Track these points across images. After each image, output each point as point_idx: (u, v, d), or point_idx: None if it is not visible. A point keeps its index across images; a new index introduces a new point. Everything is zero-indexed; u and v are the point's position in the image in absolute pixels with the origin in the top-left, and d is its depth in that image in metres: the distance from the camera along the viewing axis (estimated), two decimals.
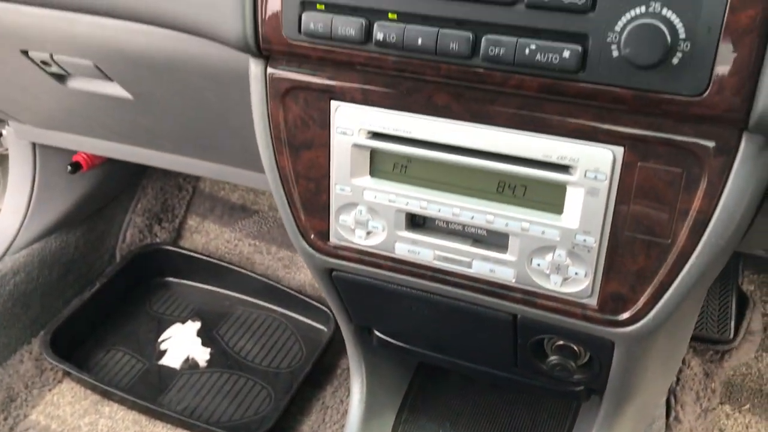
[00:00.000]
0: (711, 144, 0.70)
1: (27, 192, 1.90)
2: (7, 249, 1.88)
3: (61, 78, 1.27)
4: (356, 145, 0.85)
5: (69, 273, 1.99)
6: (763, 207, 0.83)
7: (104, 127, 1.52)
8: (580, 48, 0.69)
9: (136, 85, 1.19)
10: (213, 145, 1.43)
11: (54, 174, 1.92)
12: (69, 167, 1.87)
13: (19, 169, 1.90)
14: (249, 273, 2.01)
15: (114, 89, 1.23)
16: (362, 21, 0.76)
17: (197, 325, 1.94)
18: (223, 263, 2.05)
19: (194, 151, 1.53)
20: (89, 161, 1.90)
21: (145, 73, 1.12)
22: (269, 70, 0.86)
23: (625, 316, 0.82)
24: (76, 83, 1.28)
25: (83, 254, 2.04)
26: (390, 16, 0.76)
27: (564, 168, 0.77)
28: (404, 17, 0.75)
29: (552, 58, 0.70)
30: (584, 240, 0.79)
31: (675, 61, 0.66)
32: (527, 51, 0.70)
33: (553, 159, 0.77)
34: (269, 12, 0.81)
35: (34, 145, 1.86)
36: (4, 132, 1.87)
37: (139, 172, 2.18)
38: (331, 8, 0.78)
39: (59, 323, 1.84)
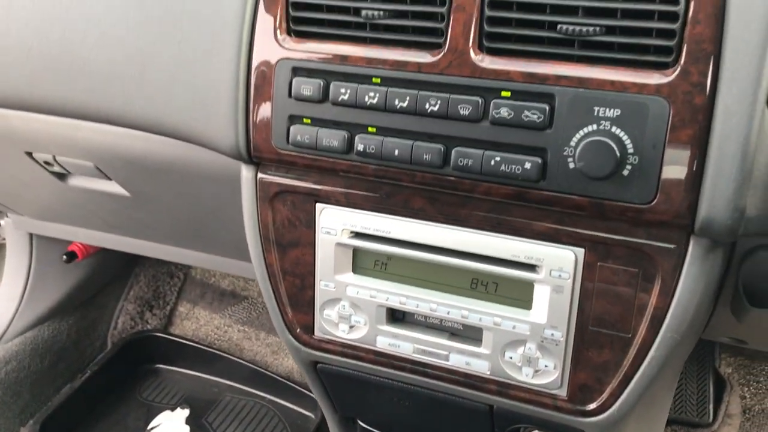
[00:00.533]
0: (662, 246, 0.77)
1: (22, 281, 1.94)
2: (0, 338, 1.90)
3: (61, 176, 1.34)
4: (339, 244, 0.91)
5: (60, 361, 2.01)
6: (720, 299, 0.89)
7: (100, 220, 1.58)
8: (540, 160, 0.76)
9: (134, 184, 1.26)
10: (205, 237, 1.49)
11: (49, 263, 1.97)
12: (64, 257, 1.92)
13: (16, 259, 1.95)
14: (237, 360, 2.04)
15: (112, 187, 1.30)
16: (345, 134, 0.84)
17: (186, 412, 1.96)
18: (212, 350, 2.08)
19: (187, 242, 1.59)
20: (84, 250, 1.95)
21: (143, 174, 1.19)
22: (259, 175, 0.94)
23: (593, 406, 0.87)
24: (76, 181, 1.34)
25: (75, 342, 2.07)
26: (370, 129, 0.83)
27: (531, 267, 0.83)
28: (382, 131, 0.83)
29: (515, 169, 0.77)
30: (552, 334, 0.84)
31: (625, 172, 0.73)
32: (492, 162, 0.78)
33: (521, 259, 0.83)
34: (260, 124, 0.89)
35: (31, 235, 1.92)
36: (2, 223, 1.93)
37: (133, 260, 2.23)
38: (317, 122, 0.86)
39: (49, 412, 1.85)
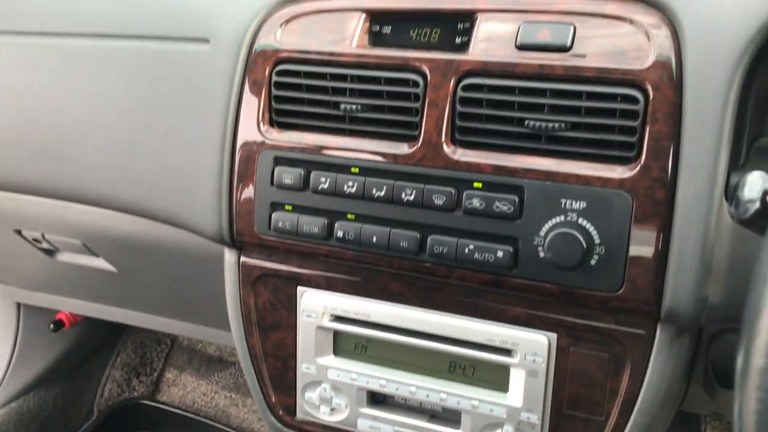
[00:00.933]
0: (631, 332, 0.79)
1: (8, 351, 1.94)
2: None
3: (50, 252, 1.36)
4: (320, 327, 0.93)
5: (46, 430, 1.99)
6: (693, 378, 0.91)
7: (88, 291, 1.60)
8: (511, 249, 0.79)
9: (121, 261, 1.28)
10: (190, 309, 1.50)
11: (36, 332, 1.97)
12: (52, 325, 1.92)
13: (2, 328, 1.95)
14: (224, 427, 2.02)
15: (99, 263, 1.32)
16: (325, 220, 0.87)
17: None
18: (198, 417, 2.06)
19: (172, 312, 1.60)
20: (72, 319, 1.95)
21: (130, 252, 1.22)
22: (242, 258, 0.96)
23: None
24: (64, 257, 1.36)
25: (61, 410, 2.05)
26: (349, 216, 0.86)
27: (507, 351, 0.85)
28: (361, 218, 0.86)
29: (488, 257, 0.80)
30: (528, 417, 0.86)
31: (593, 262, 0.76)
32: (466, 250, 0.81)
33: (497, 343, 0.85)
34: (243, 211, 0.92)
35: (18, 304, 1.92)
36: None
37: (120, 326, 2.23)
38: (298, 209, 0.89)
39: None
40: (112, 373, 2.20)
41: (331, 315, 0.93)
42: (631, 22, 0.76)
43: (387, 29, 0.88)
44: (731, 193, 0.61)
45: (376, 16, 0.88)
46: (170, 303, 1.50)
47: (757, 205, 0.54)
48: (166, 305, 1.54)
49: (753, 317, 0.43)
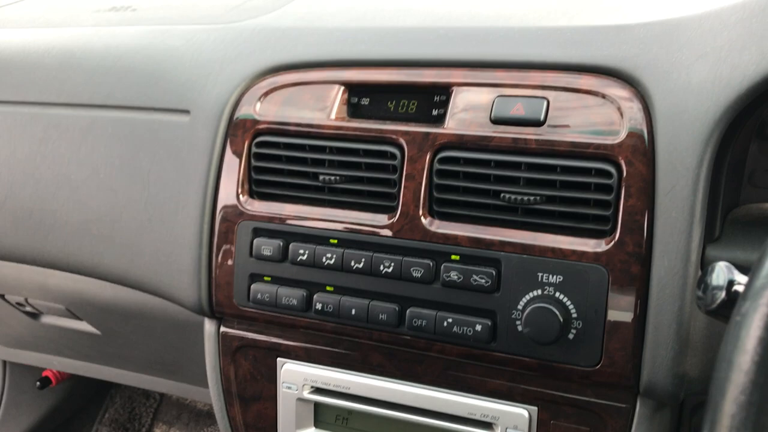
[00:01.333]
0: (611, 405, 0.78)
1: None
2: None
3: (34, 315, 1.35)
4: (301, 399, 0.92)
5: None
6: None
7: (73, 350, 1.58)
8: (489, 322, 0.79)
9: (104, 324, 1.27)
10: (177, 369, 1.49)
11: (23, 390, 1.95)
12: (38, 383, 1.90)
13: None
14: None
15: (83, 326, 1.31)
16: (303, 292, 0.87)
17: None
18: None
19: (159, 371, 1.59)
20: (58, 376, 1.93)
21: (113, 317, 1.21)
22: (222, 329, 0.96)
23: None
24: (48, 320, 1.36)
25: None
26: (328, 288, 0.86)
27: (487, 425, 0.84)
28: (340, 290, 0.86)
29: (466, 330, 0.80)
30: None
31: (571, 336, 0.76)
32: (445, 323, 0.80)
33: (477, 416, 0.84)
34: (222, 282, 0.91)
35: (4, 362, 1.90)
36: None
37: (108, 382, 2.20)
38: (277, 280, 0.88)
39: None
40: (99, 429, 2.17)
41: (312, 387, 0.92)
42: (604, 96, 0.76)
43: (365, 101, 0.88)
44: (699, 279, 0.61)
45: (354, 89, 0.89)
46: (155, 363, 1.48)
47: (723, 295, 0.54)
48: (151, 365, 1.52)
49: (717, 401, 0.43)
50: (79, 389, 2.09)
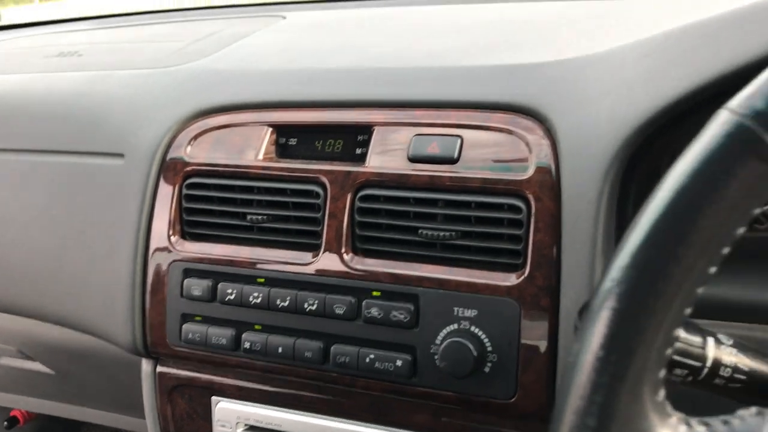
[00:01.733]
0: None
1: None
2: None
3: None
4: None
5: None
6: None
7: (34, 390, 1.58)
8: (410, 358, 0.80)
9: (56, 365, 1.28)
10: (135, 406, 1.48)
11: None
12: (6, 423, 1.89)
13: None
14: None
15: (37, 366, 1.32)
16: (232, 331, 0.88)
17: None
18: None
19: (118, 409, 1.58)
20: (26, 415, 1.92)
21: (63, 357, 1.22)
22: (158, 368, 0.96)
23: None
24: (4, 361, 1.36)
25: None
26: (256, 327, 0.87)
27: None
28: (268, 328, 0.87)
29: (388, 366, 0.80)
30: None
31: (487, 369, 0.77)
32: (367, 359, 0.81)
33: None
34: (155, 322, 0.92)
35: None
36: None
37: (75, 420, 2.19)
38: (207, 320, 0.90)
39: None
40: None
41: (245, 425, 0.92)
42: (514, 133, 0.78)
43: (293, 141, 0.90)
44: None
45: (281, 129, 0.90)
46: (114, 401, 1.48)
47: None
48: (110, 403, 1.52)
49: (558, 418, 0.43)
50: (49, 428, 2.08)
